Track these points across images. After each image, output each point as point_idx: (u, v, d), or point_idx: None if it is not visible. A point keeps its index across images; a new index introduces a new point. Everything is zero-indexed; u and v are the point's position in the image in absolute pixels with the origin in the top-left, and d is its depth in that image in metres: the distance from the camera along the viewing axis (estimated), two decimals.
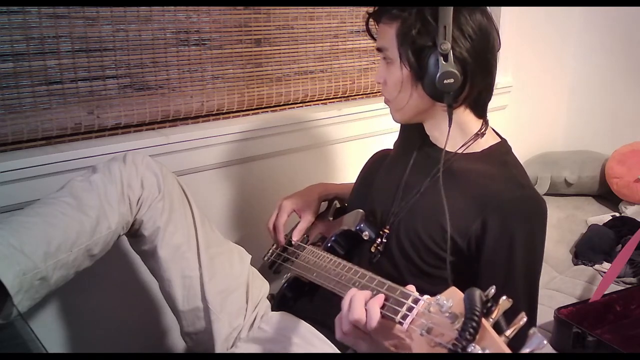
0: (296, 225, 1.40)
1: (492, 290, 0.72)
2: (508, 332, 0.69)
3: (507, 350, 0.66)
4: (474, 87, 1.09)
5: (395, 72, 1.10)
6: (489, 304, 0.70)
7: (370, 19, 1.17)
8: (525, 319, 0.70)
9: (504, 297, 0.71)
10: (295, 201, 1.42)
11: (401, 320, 0.81)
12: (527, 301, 1.08)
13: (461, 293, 0.74)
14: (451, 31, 1.03)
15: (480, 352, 0.65)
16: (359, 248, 1.21)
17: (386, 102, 1.18)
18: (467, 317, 0.67)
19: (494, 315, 0.70)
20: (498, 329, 0.69)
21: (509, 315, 0.72)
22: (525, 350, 0.66)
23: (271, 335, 1.23)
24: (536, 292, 1.10)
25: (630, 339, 1.58)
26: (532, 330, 0.67)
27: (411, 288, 0.87)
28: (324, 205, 1.48)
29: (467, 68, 1.06)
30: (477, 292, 0.70)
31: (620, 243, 2.01)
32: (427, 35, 1.05)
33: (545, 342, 0.66)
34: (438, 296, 0.75)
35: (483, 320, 0.68)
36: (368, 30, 1.19)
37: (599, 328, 1.60)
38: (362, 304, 0.88)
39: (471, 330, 0.66)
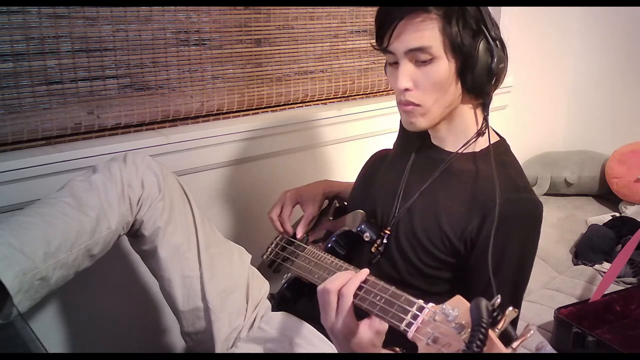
0: (299, 221, 1.39)
1: (498, 299, 0.71)
2: (515, 345, 0.69)
3: None
4: (504, 74, 1.11)
5: (437, 70, 1.06)
6: (495, 314, 0.70)
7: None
8: (532, 332, 0.70)
9: (511, 308, 0.71)
10: (299, 194, 1.42)
11: (406, 329, 0.80)
12: (509, 301, 1.08)
13: (467, 302, 0.74)
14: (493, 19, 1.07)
15: None
16: (359, 249, 1.21)
17: (411, 108, 1.10)
18: (475, 329, 0.67)
19: (500, 326, 0.70)
20: (505, 338, 0.69)
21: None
22: None
23: (271, 335, 1.23)
24: (522, 294, 1.10)
25: (630, 339, 1.57)
26: (541, 343, 0.67)
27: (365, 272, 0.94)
28: (326, 203, 1.48)
29: (506, 54, 1.09)
30: (484, 302, 0.70)
31: (620, 243, 2.01)
32: (474, 24, 1.06)
33: (553, 351, 0.66)
34: (443, 305, 0.75)
35: (490, 331, 0.68)
36: (384, 49, 1.10)
37: (599, 328, 1.60)
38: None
39: (478, 342, 0.66)
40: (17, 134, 1.38)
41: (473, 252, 1.06)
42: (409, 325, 0.80)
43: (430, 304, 0.81)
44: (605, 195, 2.44)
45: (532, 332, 0.70)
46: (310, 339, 1.18)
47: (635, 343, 1.56)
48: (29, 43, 1.36)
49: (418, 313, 0.81)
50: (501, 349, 0.67)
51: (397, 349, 1.00)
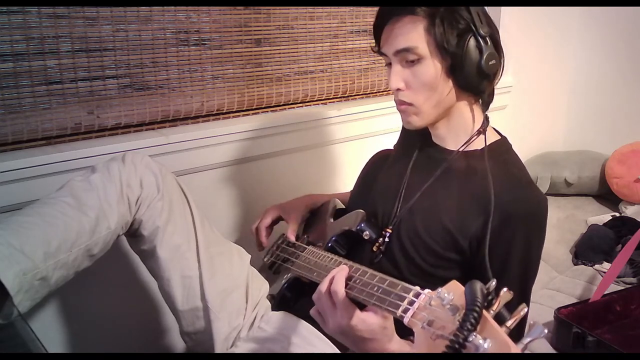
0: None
1: (493, 283, 0.72)
2: (509, 323, 0.70)
3: (508, 340, 0.66)
4: (500, 72, 1.11)
5: (425, 70, 1.07)
6: (490, 297, 0.71)
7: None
8: (526, 310, 0.70)
9: (505, 289, 0.72)
10: (280, 207, 1.44)
11: (402, 314, 0.81)
12: (517, 298, 1.08)
13: (462, 286, 0.74)
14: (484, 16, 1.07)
15: (481, 342, 0.65)
16: (360, 248, 1.21)
17: (404, 107, 1.12)
18: (468, 308, 0.68)
19: (494, 307, 0.70)
20: (499, 320, 0.70)
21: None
22: (527, 339, 0.67)
23: (271, 334, 1.23)
24: (529, 291, 1.10)
25: (630, 339, 1.58)
26: (533, 321, 0.68)
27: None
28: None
29: (499, 51, 1.09)
30: (479, 285, 0.70)
31: (620, 243, 2.01)
32: (462, 22, 1.06)
33: (545, 330, 0.67)
34: (439, 289, 0.75)
35: (484, 311, 0.68)
36: (379, 51, 1.14)
37: (599, 328, 1.60)
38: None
39: (472, 320, 0.66)
40: (17, 134, 1.38)
41: (479, 250, 1.06)
42: (405, 311, 0.81)
43: (427, 290, 0.81)
44: (605, 195, 2.44)
45: (525, 310, 0.70)
46: (310, 339, 1.18)
47: (635, 343, 1.56)
48: (29, 43, 1.36)
49: (414, 299, 0.82)
50: (495, 328, 0.67)
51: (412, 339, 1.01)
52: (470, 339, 0.66)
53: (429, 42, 1.06)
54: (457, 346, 0.66)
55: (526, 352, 0.68)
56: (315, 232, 1.39)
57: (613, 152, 2.39)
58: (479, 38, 1.06)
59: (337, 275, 0.95)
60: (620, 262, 1.77)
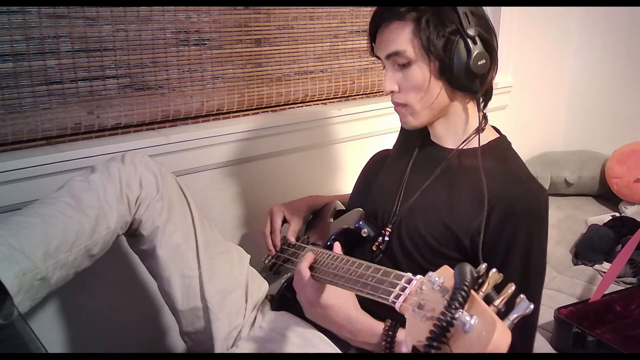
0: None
1: (484, 266, 0.72)
2: (497, 302, 0.70)
3: (495, 317, 0.66)
4: (494, 70, 1.12)
5: (414, 73, 1.09)
6: (480, 280, 0.71)
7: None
8: (513, 288, 0.70)
9: (494, 270, 0.72)
10: (284, 207, 1.44)
11: (394, 300, 0.81)
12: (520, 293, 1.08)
13: (452, 270, 0.74)
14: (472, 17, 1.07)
15: (468, 318, 0.65)
16: (360, 247, 1.21)
17: (399, 109, 1.15)
18: (456, 287, 0.68)
19: (484, 289, 0.71)
20: (488, 301, 0.70)
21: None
22: (514, 315, 0.68)
23: (271, 334, 1.23)
24: (534, 287, 1.09)
25: (630, 339, 1.58)
26: (520, 298, 0.69)
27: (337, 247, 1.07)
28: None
29: (491, 50, 1.10)
30: (468, 267, 0.71)
31: (620, 243, 2.01)
32: (449, 24, 1.06)
33: (532, 306, 0.68)
34: (430, 273, 0.76)
35: (473, 292, 0.68)
36: (371, 51, 1.19)
37: (599, 328, 1.60)
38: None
39: (460, 298, 0.66)
40: (17, 134, 1.38)
41: (483, 245, 1.06)
42: (397, 297, 0.81)
43: (419, 276, 0.82)
44: (605, 195, 2.44)
45: (513, 288, 0.70)
46: (310, 339, 1.18)
47: (635, 343, 1.56)
48: (29, 43, 1.36)
49: (406, 285, 0.82)
50: (483, 306, 0.67)
51: (389, 321, 1.03)
52: (457, 315, 0.66)
53: (416, 46, 1.08)
54: (444, 324, 0.66)
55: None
56: (315, 232, 1.39)
57: (613, 152, 2.39)
58: (467, 39, 1.06)
59: (305, 257, 1.06)
60: (620, 262, 1.77)
